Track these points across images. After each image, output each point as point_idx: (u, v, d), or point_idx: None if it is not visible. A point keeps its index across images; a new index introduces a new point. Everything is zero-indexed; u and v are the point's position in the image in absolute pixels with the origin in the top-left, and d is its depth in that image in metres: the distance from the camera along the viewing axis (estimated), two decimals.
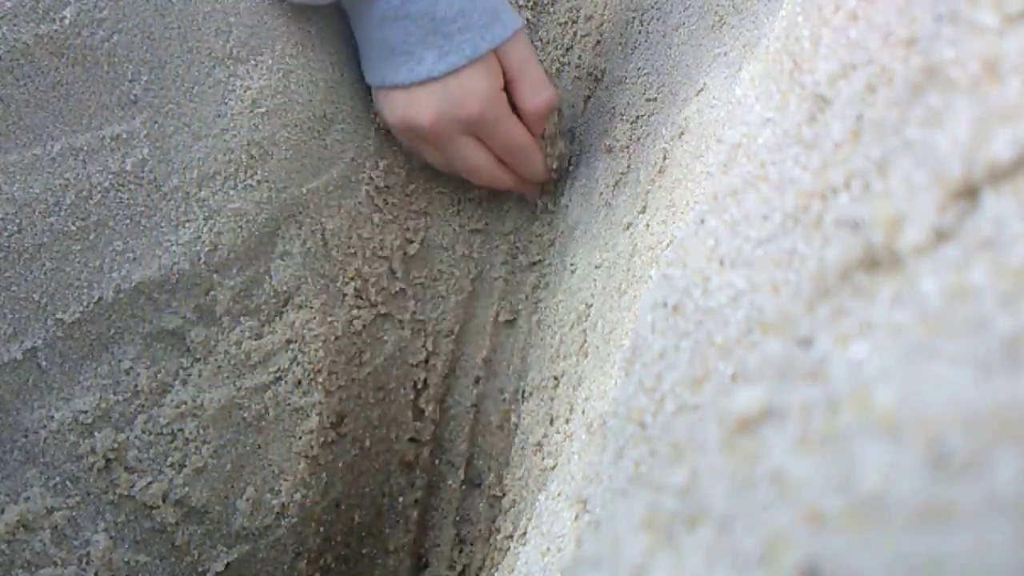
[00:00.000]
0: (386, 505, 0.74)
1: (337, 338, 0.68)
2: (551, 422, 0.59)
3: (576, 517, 0.39)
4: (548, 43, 0.79)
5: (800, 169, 0.31)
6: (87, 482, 0.60)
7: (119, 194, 0.61)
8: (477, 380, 0.78)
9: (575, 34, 0.78)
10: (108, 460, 0.61)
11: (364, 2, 0.64)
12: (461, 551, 0.72)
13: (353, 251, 0.69)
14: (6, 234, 0.58)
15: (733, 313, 0.30)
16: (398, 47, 0.65)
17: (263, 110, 0.64)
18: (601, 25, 0.75)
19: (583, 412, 0.48)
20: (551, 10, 0.79)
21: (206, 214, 0.62)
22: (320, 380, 0.66)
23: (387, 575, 0.74)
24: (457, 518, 0.74)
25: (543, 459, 0.56)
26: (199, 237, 0.63)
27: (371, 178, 0.70)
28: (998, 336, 0.18)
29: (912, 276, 0.22)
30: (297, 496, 0.66)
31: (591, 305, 0.61)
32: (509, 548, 0.55)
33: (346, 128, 0.69)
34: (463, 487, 0.76)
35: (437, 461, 0.76)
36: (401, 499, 0.74)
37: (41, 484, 0.59)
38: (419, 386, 0.74)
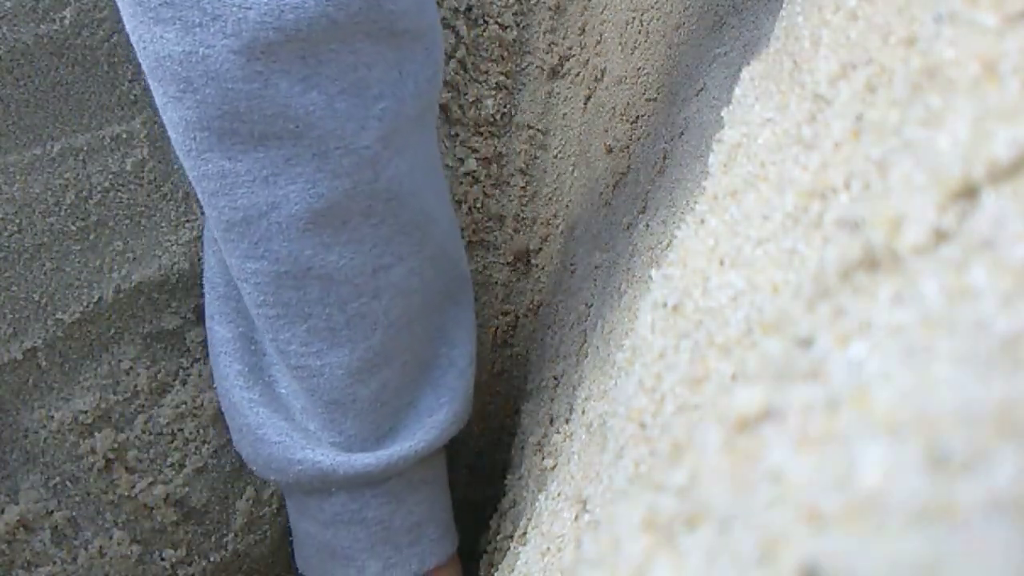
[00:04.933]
0: None
1: None
2: (551, 422, 0.59)
3: (576, 517, 0.39)
4: (539, 48, 0.79)
5: (800, 169, 0.31)
6: (87, 482, 0.60)
7: (119, 194, 0.61)
8: (479, 380, 0.78)
9: (573, 31, 0.78)
10: (108, 460, 0.61)
11: (316, 497, 0.59)
12: (461, 551, 0.72)
13: None
14: (6, 234, 0.58)
15: (733, 313, 0.30)
16: (341, 551, 0.61)
17: None
18: (601, 25, 0.75)
19: (583, 412, 0.48)
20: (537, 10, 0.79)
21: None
22: None
23: None
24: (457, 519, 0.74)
25: (543, 459, 0.56)
26: (199, 237, 0.63)
27: None
28: (998, 336, 0.18)
29: (912, 276, 0.22)
30: None
31: (591, 305, 0.61)
32: (509, 548, 0.55)
33: None
34: (465, 486, 0.76)
35: None
36: None
37: (41, 484, 0.59)
38: None
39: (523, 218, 0.78)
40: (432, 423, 0.60)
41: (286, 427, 0.58)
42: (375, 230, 0.54)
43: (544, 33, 0.78)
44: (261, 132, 0.49)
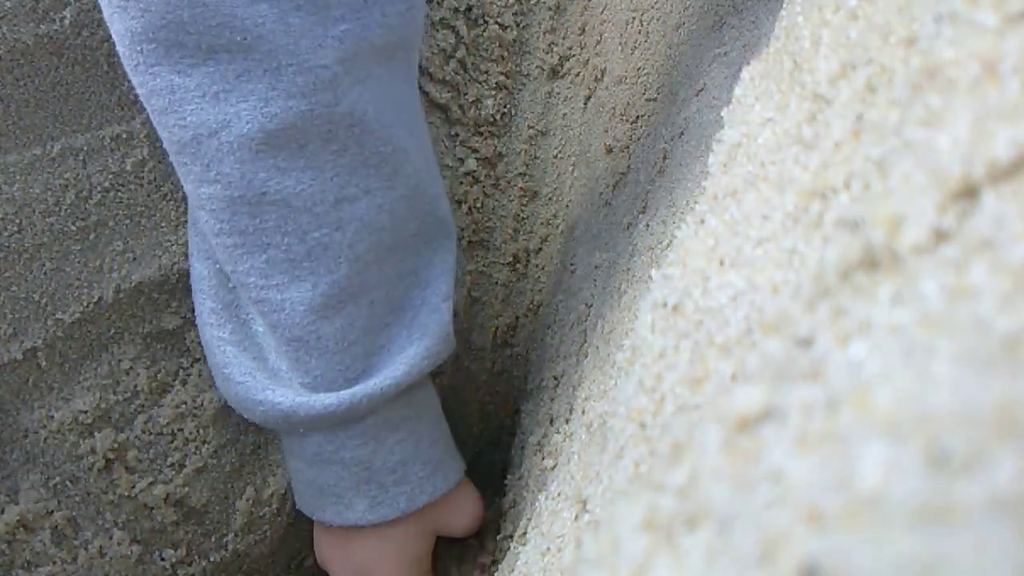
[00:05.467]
0: None
1: None
2: (551, 422, 0.59)
3: (576, 517, 0.39)
4: (539, 48, 0.79)
5: (800, 169, 0.31)
6: (87, 482, 0.60)
7: (119, 194, 0.61)
8: (480, 382, 0.78)
9: (573, 31, 0.78)
10: (108, 460, 0.61)
11: (296, 437, 0.59)
12: (462, 551, 0.72)
13: None
14: (6, 234, 0.58)
15: (733, 313, 0.30)
16: (328, 489, 0.60)
17: None
18: (601, 25, 0.75)
19: (583, 412, 0.48)
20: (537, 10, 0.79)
21: None
22: None
23: None
24: None
25: (543, 459, 0.57)
26: None
27: None
28: (998, 336, 0.18)
29: (912, 276, 0.22)
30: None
31: (591, 305, 0.61)
32: (509, 548, 0.55)
33: None
34: None
35: None
36: None
37: (41, 484, 0.59)
38: None
39: (523, 218, 0.78)
40: (401, 359, 0.58)
41: (252, 367, 0.58)
42: (337, 157, 0.52)
43: (544, 33, 0.78)
44: (209, 45, 0.48)
